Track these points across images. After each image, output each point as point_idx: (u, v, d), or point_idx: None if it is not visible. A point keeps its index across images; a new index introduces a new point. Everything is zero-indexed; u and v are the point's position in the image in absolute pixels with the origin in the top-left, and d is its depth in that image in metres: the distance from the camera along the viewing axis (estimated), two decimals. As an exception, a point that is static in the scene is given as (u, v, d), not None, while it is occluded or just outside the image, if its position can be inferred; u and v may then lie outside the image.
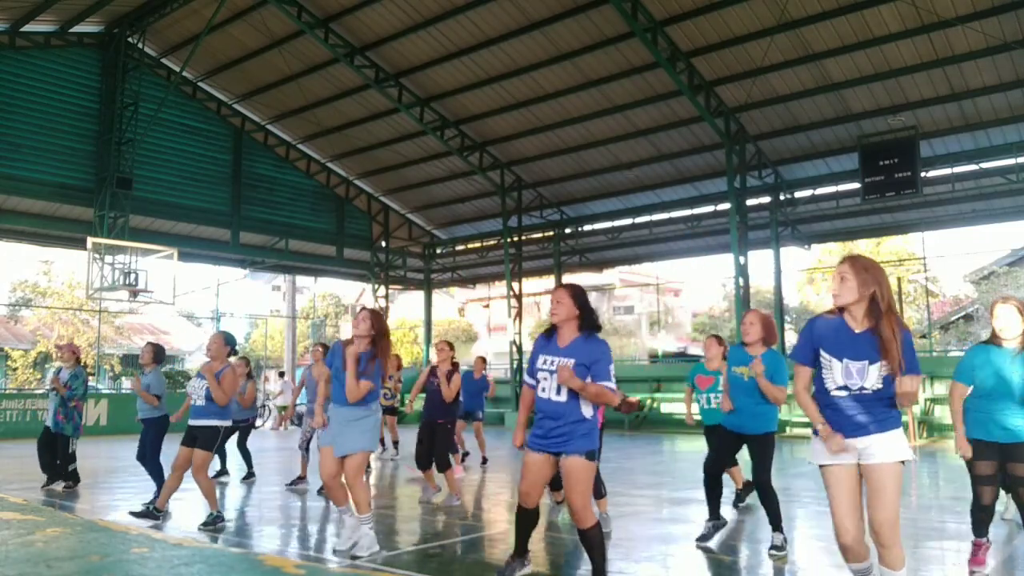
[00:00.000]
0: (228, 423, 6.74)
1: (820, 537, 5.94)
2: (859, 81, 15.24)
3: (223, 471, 9.71)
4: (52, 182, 17.98)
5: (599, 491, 6.23)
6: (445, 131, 19.61)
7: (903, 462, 3.39)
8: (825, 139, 17.11)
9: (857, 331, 3.42)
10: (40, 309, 30.82)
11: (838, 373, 3.44)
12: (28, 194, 17.77)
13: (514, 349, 21.67)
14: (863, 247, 30.60)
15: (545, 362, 4.27)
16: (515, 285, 21.97)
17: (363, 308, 5.75)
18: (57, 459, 8.62)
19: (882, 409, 3.40)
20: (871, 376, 3.38)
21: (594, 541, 4.19)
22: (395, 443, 12.13)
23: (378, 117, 20.18)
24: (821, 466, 3.49)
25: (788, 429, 16.95)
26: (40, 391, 22.82)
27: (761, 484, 5.45)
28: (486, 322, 37.03)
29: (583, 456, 4.15)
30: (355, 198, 24.00)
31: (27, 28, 17.29)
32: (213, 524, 6.39)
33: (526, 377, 4.45)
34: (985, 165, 16.10)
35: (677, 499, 8.21)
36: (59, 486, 8.55)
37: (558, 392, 4.18)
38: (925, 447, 14.26)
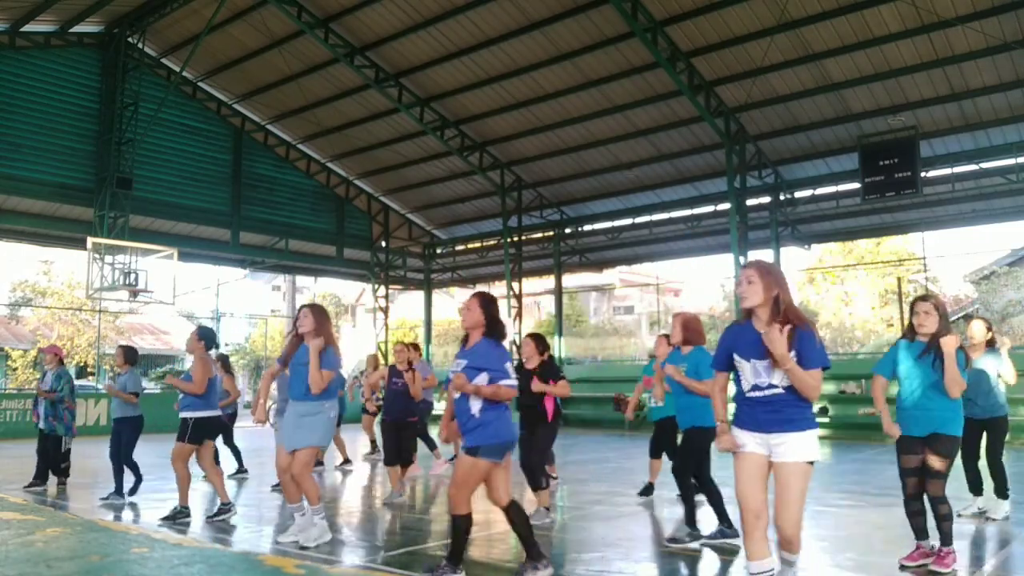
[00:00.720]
0: (207, 414, 6.84)
1: (820, 537, 5.94)
2: (859, 81, 15.23)
3: (241, 469, 9.84)
4: (52, 182, 17.98)
5: (538, 484, 6.59)
6: (445, 131, 19.61)
7: (811, 463, 3.53)
8: (825, 139, 17.11)
9: (761, 331, 3.58)
10: (40, 309, 30.82)
11: (748, 373, 3.61)
12: (28, 194, 17.77)
13: (514, 349, 21.65)
14: (863, 247, 30.64)
15: (454, 365, 4.71)
16: (515, 285, 21.97)
17: (302, 306, 5.91)
18: (49, 462, 8.77)
19: (794, 409, 3.53)
20: (777, 374, 3.52)
21: (458, 527, 4.58)
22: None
23: (378, 117, 20.18)
24: (735, 453, 3.67)
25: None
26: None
27: (676, 473, 5.95)
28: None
29: (463, 451, 4.55)
30: (355, 198, 24.00)
31: (27, 28, 17.28)
32: (174, 519, 6.55)
33: None
34: (985, 165, 16.09)
35: (676, 499, 8.20)
36: (51, 485, 8.71)
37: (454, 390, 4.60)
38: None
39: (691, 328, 5.93)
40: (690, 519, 5.79)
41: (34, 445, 9.09)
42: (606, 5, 14.63)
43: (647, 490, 7.95)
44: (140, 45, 18.68)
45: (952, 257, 43.65)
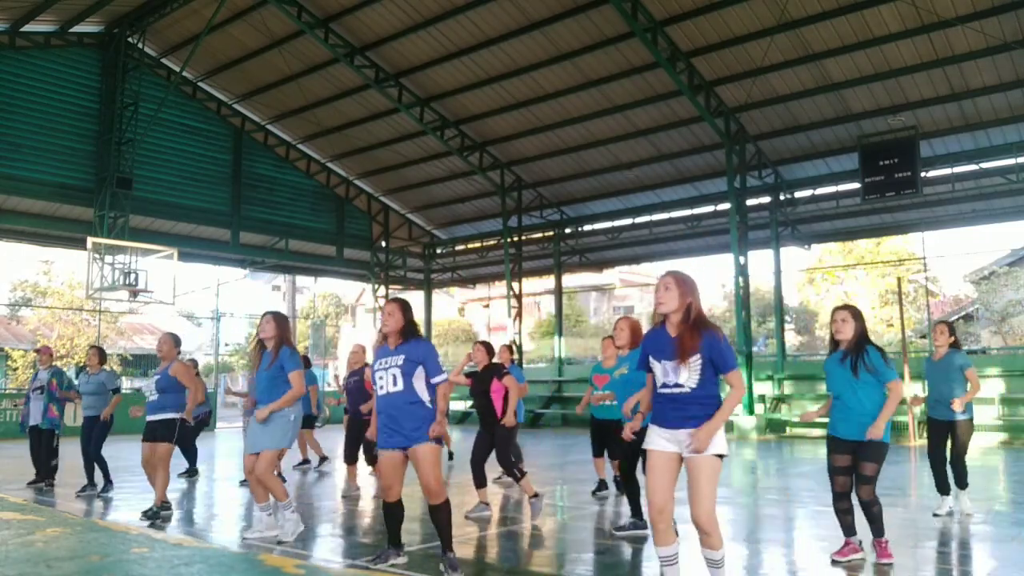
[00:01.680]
0: (180, 415, 7.01)
1: (820, 537, 5.94)
2: (859, 81, 15.23)
3: (192, 471, 9.90)
4: (52, 182, 17.98)
5: (516, 474, 6.90)
6: (445, 131, 19.61)
7: (720, 457, 3.72)
8: (825, 139, 17.11)
9: (672, 335, 3.86)
10: (40, 309, 30.81)
11: (659, 373, 3.86)
12: (28, 194, 17.76)
13: (514, 349, 21.63)
14: (863, 247, 30.63)
15: (382, 363, 4.87)
16: (515, 285, 21.97)
17: (265, 313, 6.10)
18: (47, 456, 8.94)
19: (698, 408, 3.75)
20: (682, 374, 3.76)
21: (442, 516, 4.73)
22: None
23: (378, 117, 20.18)
24: (647, 449, 3.88)
25: (788, 429, 16.94)
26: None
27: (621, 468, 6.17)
28: (486, 322, 37.01)
29: (429, 443, 4.70)
30: (355, 198, 24.00)
31: (27, 28, 17.28)
32: (157, 515, 6.66)
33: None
34: (985, 165, 16.09)
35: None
36: (44, 483, 8.84)
37: (394, 383, 4.75)
38: (924, 448, 14.26)
39: (637, 331, 6.23)
40: (634, 509, 6.16)
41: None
42: (606, 5, 14.63)
43: (603, 486, 8.12)
44: (140, 45, 18.67)
45: (952, 257, 43.68)
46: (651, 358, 3.92)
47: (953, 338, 6.70)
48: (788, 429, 16.97)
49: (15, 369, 29.26)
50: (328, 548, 5.73)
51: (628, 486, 6.07)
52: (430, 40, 17.10)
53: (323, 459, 10.98)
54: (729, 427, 15.67)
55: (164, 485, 6.83)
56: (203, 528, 6.60)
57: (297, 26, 16.96)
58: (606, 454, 7.82)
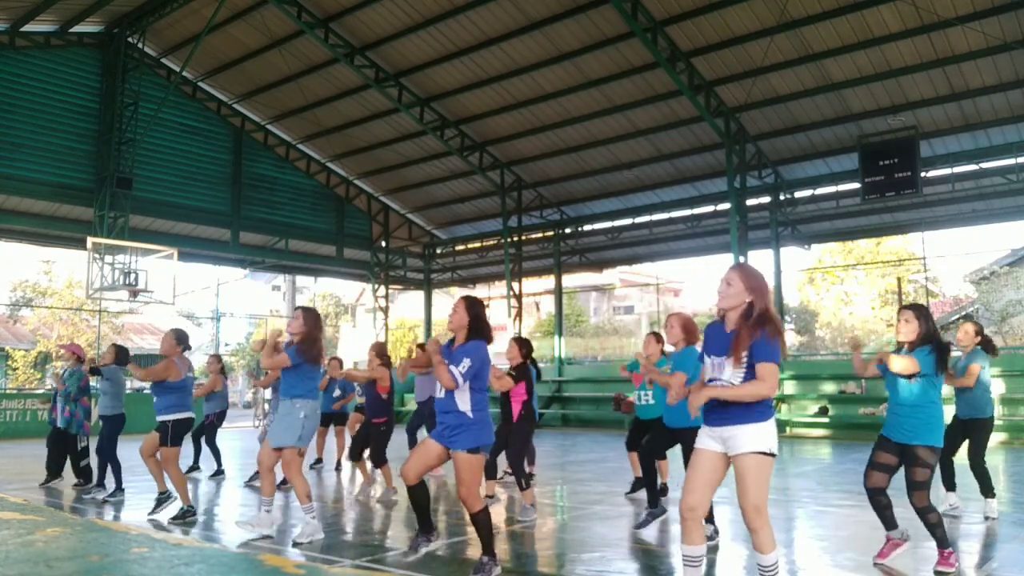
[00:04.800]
0: (182, 416, 6.94)
1: (820, 537, 5.94)
2: (859, 81, 15.23)
3: (195, 467, 9.91)
4: (52, 182, 17.98)
5: (491, 474, 6.94)
6: (445, 131, 19.61)
7: (767, 454, 3.60)
8: (825, 139, 17.11)
9: (728, 331, 3.76)
10: (40, 309, 30.81)
11: (708, 368, 3.80)
12: (28, 194, 17.77)
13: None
14: (863, 247, 30.63)
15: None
16: (515, 285, 21.98)
17: (298, 307, 6.14)
18: (63, 457, 8.98)
19: (740, 405, 3.63)
20: (727, 370, 3.67)
21: (481, 523, 4.66)
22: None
23: (378, 117, 20.18)
24: (695, 449, 3.81)
25: (788, 429, 16.95)
26: (40, 391, 22.82)
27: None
28: (486, 322, 36.95)
29: (466, 452, 4.65)
30: (355, 198, 24.00)
31: (27, 28, 17.28)
32: (183, 518, 6.64)
33: None
34: (985, 165, 16.09)
35: (675, 499, 8.19)
36: (52, 482, 8.86)
37: (439, 388, 4.74)
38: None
39: (689, 328, 6.01)
40: (653, 501, 6.24)
41: (35, 445, 9.14)
42: (606, 5, 14.63)
43: (638, 486, 7.93)
44: (140, 45, 18.67)
45: (952, 257, 43.66)
46: (705, 353, 3.86)
47: (980, 338, 6.57)
48: (788, 429, 16.97)
49: (15, 369, 29.26)
50: (337, 549, 5.70)
51: (647, 476, 6.13)
52: (430, 40, 17.10)
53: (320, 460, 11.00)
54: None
55: (182, 485, 6.75)
56: (207, 528, 6.57)
57: (297, 26, 16.96)
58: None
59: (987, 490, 6.51)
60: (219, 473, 9.82)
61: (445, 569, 5.12)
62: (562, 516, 7.18)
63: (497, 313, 27.84)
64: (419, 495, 4.94)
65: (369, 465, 8.33)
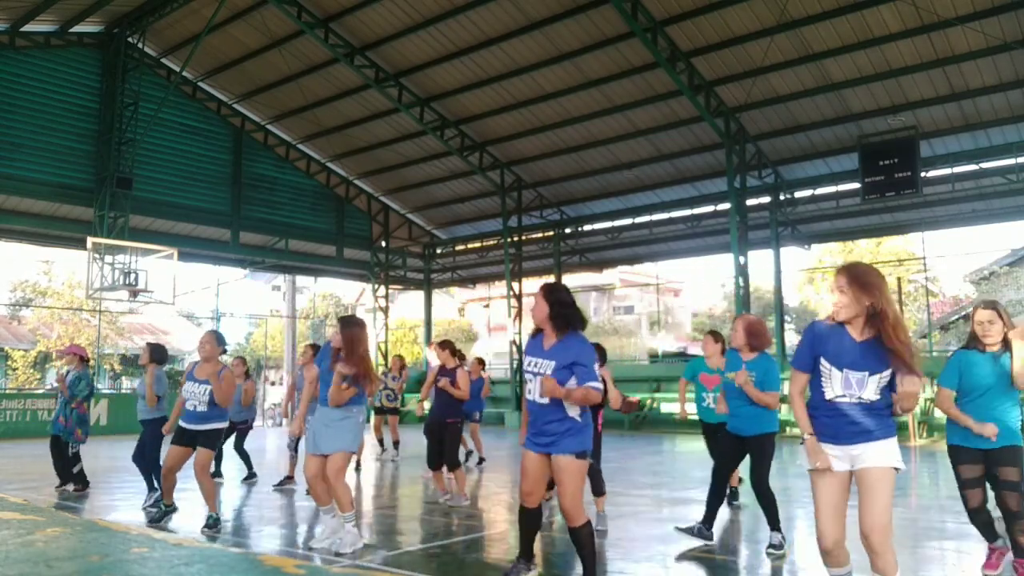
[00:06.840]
0: (226, 424, 6.75)
1: (820, 537, 5.91)
2: (859, 81, 15.24)
3: (217, 473, 9.75)
4: (52, 182, 17.98)
5: (599, 489, 6.28)
6: (445, 131, 19.61)
7: (896, 470, 3.34)
8: (825, 139, 17.11)
9: (859, 340, 3.35)
10: (40, 309, 30.80)
11: (837, 383, 3.37)
12: (28, 194, 17.77)
13: (514, 349, 21.67)
14: (863, 247, 30.63)
15: (531, 364, 4.27)
16: (515, 285, 21.98)
17: (339, 317, 5.93)
18: (63, 462, 8.64)
19: (877, 419, 3.35)
20: (870, 387, 3.32)
21: (584, 540, 4.19)
22: (395, 444, 12.08)
23: (378, 117, 20.18)
24: (810, 470, 3.44)
25: (788, 429, 16.92)
26: (40, 391, 22.82)
27: (758, 485, 5.44)
28: (486, 322, 37.02)
29: (572, 455, 4.15)
30: (355, 198, 24.00)
31: (27, 28, 17.28)
32: (215, 527, 6.38)
33: None
34: (985, 165, 16.10)
35: (676, 499, 8.21)
36: (70, 487, 8.51)
37: (540, 393, 4.17)
38: (925, 447, 14.28)
39: (756, 333, 5.58)
40: (708, 519, 5.62)
41: (35, 445, 9.10)
42: (606, 5, 14.64)
43: (735, 491, 7.46)
44: (140, 45, 18.68)
45: (952, 257, 43.60)
46: (827, 363, 3.39)
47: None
48: (788, 429, 16.95)
49: (15, 369, 29.26)
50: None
51: (764, 498, 5.39)
52: (430, 40, 17.10)
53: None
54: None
55: (211, 492, 6.42)
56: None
57: (297, 26, 16.96)
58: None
59: None
60: (251, 476, 9.69)
61: (445, 569, 5.12)
62: (562, 516, 7.15)
63: (497, 313, 27.86)
64: (534, 520, 4.43)
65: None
